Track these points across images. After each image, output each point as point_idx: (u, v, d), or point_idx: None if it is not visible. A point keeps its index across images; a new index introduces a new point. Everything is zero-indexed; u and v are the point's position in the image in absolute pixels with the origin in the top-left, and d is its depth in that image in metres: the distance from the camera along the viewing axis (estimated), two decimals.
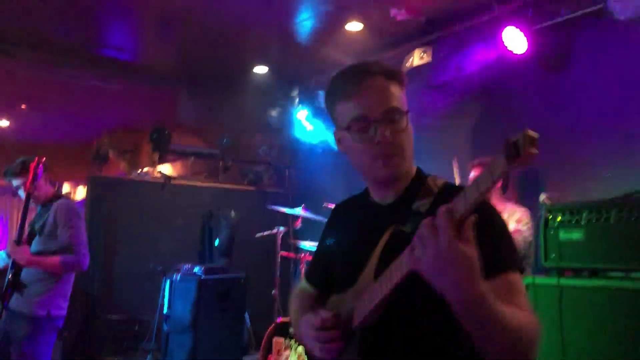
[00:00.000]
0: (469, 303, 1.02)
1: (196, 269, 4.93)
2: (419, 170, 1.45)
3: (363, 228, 1.45)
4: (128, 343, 5.55)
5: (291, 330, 3.92)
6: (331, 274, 1.54)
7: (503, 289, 1.15)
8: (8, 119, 8.46)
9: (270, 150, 6.98)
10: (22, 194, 3.32)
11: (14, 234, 3.24)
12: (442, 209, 0.99)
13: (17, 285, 3.17)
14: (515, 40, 4.06)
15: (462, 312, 1.04)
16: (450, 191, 1.30)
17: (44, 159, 3.27)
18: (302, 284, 1.70)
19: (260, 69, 6.11)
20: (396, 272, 1.14)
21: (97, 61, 5.96)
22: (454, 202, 1.00)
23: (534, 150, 0.88)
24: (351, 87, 1.33)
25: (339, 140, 1.43)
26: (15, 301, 3.16)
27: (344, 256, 1.47)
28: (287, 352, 3.98)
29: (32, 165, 3.20)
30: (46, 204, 3.41)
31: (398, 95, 1.34)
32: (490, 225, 1.23)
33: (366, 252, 1.33)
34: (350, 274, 1.37)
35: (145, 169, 7.28)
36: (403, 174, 1.38)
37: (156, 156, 6.82)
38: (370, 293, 1.25)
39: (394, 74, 1.36)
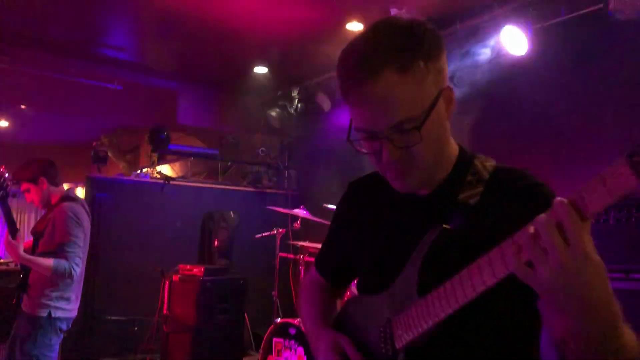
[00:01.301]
0: (596, 331, 0.82)
1: (195, 270, 4.92)
2: (462, 152, 1.18)
3: (396, 221, 1.21)
4: (127, 344, 5.54)
5: (290, 330, 3.92)
6: (348, 266, 1.36)
7: None
8: (8, 119, 8.46)
9: (269, 150, 6.97)
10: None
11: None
12: (567, 207, 0.76)
13: (23, 287, 3.23)
14: (515, 40, 4.06)
15: (583, 337, 0.83)
16: (504, 177, 1.10)
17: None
18: (313, 273, 1.52)
19: (260, 69, 6.11)
20: (481, 278, 0.88)
21: (97, 61, 5.97)
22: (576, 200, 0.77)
23: None
24: (350, 94, 1.06)
25: (351, 141, 1.18)
26: (23, 301, 3.23)
27: (373, 252, 1.25)
28: (286, 353, 3.97)
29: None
30: (51, 206, 3.41)
31: (411, 92, 1.01)
32: None
33: (402, 251, 1.13)
34: (383, 276, 1.17)
35: (145, 170, 7.27)
36: (427, 179, 1.13)
37: (155, 156, 6.81)
38: (422, 306, 1.03)
39: (410, 56, 1.01)
